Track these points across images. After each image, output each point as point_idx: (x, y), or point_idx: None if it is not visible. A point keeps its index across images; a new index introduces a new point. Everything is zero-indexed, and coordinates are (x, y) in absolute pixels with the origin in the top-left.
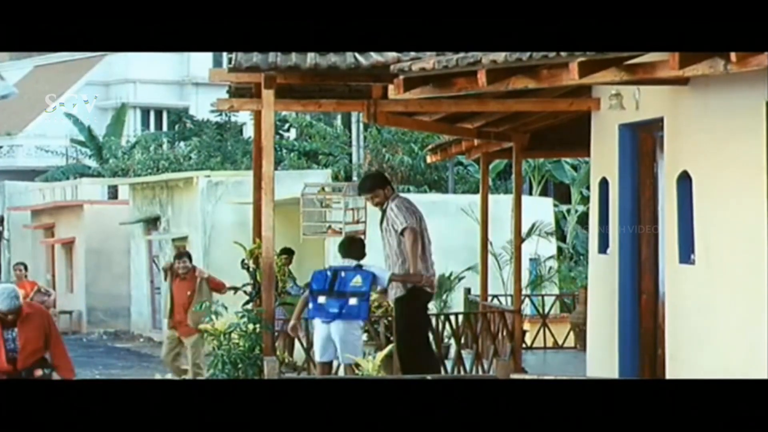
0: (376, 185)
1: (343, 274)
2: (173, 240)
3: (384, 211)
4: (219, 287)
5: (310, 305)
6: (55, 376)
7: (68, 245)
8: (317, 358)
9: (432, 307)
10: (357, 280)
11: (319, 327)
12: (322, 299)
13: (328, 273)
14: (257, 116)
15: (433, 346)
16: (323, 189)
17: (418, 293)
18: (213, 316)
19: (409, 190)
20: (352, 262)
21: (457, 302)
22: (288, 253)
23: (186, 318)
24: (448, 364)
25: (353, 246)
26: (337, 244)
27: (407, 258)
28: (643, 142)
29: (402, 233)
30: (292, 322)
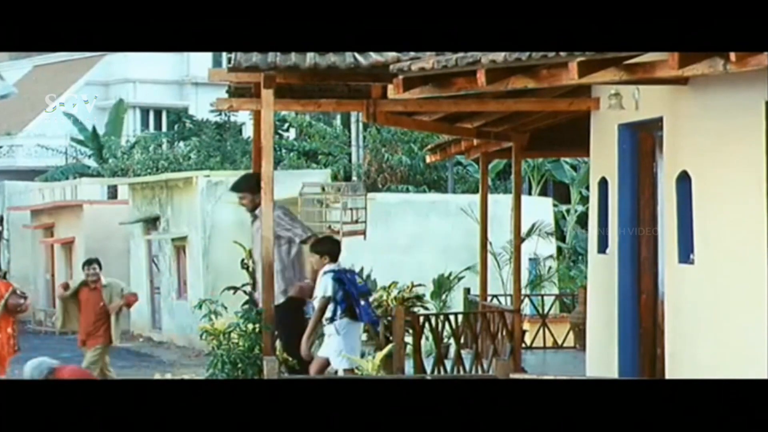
0: (252, 188)
1: (349, 275)
2: (173, 240)
3: (257, 216)
4: (131, 302)
5: (357, 310)
6: None
7: (68, 245)
8: (348, 365)
9: (432, 306)
10: (360, 281)
11: (358, 330)
12: (363, 302)
13: (348, 275)
14: (257, 116)
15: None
16: (324, 188)
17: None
18: (213, 316)
19: (408, 190)
20: (333, 265)
21: (456, 302)
22: None
23: (95, 329)
24: (448, 363)
25: (338, 246)
26: (312, 245)
27: (295, 268)
28: (642, 141)
29: (305, 241)
30: (307, 341)
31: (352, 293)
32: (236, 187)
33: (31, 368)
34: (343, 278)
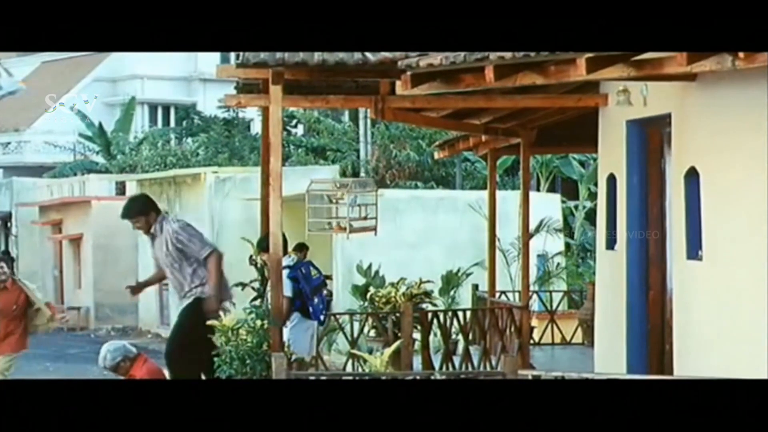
0: (142, 210)
1: (303, 269)
2: None
3: (154, 235)
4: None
5: (310, 309)
6: None
7: (76, 241)
8: (307, 355)
9: (440, 303)
10: (315, 272)
11: (309, 327)
12: (317, 297)
13: (303, 269)
14: (265, 112)
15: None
16: (335, 184)
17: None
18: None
19: (416, 186)
20: (287, 258)
21: (465, 298)
22: (303, 248)
23: (8, 333)
24: (456, 360)
25: (284, 239)
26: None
27: (207, 280)
28: (650, 138)
29: (208, 257)
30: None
31: (304, 291)
32: (127, 214)
33: (107, 350)
34: (297, 276)
